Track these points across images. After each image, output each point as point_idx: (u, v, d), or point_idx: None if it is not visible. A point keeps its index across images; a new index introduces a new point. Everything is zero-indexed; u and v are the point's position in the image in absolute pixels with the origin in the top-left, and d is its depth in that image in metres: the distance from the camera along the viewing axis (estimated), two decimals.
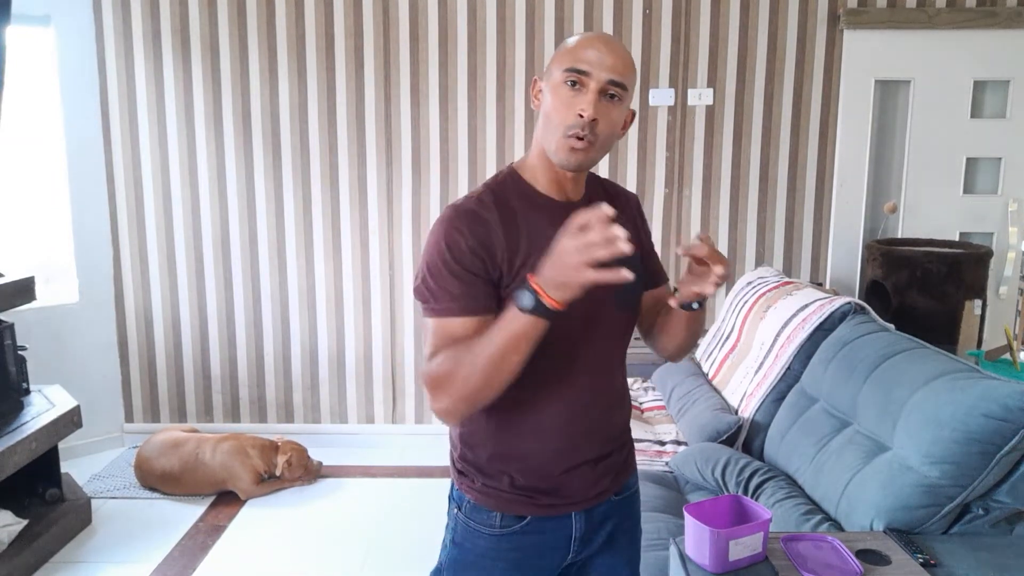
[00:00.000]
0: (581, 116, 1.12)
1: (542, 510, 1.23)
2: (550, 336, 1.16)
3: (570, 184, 1.23)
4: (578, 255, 0.96)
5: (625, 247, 0.95)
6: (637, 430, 2.63)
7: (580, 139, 1.13)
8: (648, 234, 1.40)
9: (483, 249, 1.13)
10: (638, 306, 1.32)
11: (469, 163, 3.47)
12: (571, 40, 1.17)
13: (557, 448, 1.22)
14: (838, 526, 1.70)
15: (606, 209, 0.96)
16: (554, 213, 1.17)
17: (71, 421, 2.82)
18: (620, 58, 1.13)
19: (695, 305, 1.23)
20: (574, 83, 1.13)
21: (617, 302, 1.23)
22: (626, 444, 1.35)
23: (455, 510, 1.28)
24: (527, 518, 1.23)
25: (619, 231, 0.95)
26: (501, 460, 1.22)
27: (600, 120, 1.12)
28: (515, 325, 1.03)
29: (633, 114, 1.23)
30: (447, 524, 1.32)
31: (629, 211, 1.33)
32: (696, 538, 1.33)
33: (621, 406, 1.33)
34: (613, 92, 1.13)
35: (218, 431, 3.42)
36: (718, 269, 1.13)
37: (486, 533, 1.24)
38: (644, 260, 1.32)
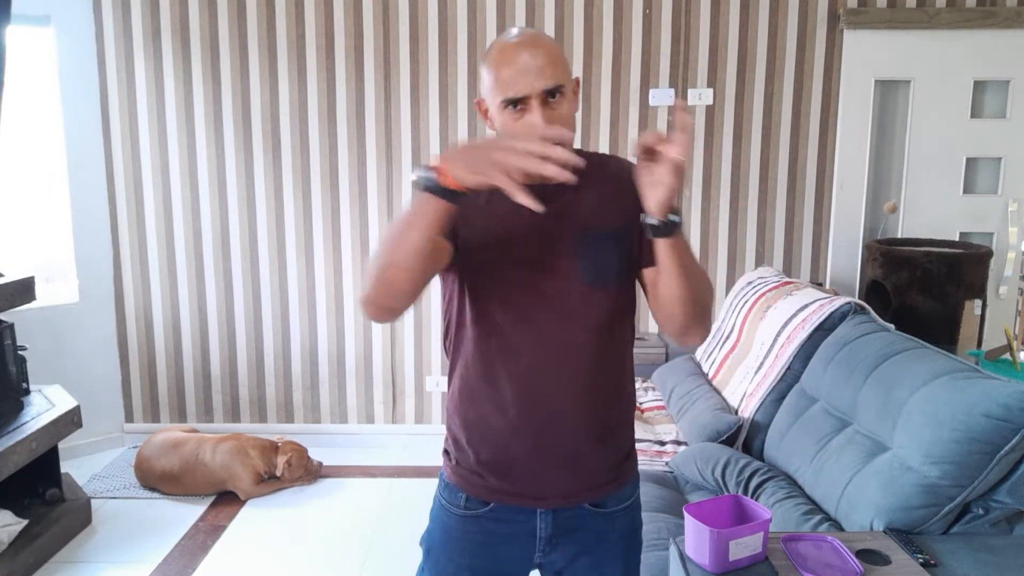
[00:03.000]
0: None
1: (506, 498, 1.26)
2: (500, 305, 1.19)
3: None
4: (501, 152, 0.93)
5: (554, 173, 0.91)
6: (637, 430, 2.63)
7: None
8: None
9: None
10: (617, 283, 1.22)
11: None
12: (491, 59, 1.15)
13: (517, 427, 1.22)
14: (838, 526, 1.70)
15: (575, 159, 0.93)
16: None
17: (71, 421, 2.81)
18: (545, 58, 1.12)
19: (673, 217, 1.04)
20: (516, 108, 1.12)
21: (584, 274, 1.18)
22: (613, 451, 1.28)
23: (437, 487, 1.35)
24: (491, 504, 1.27)
25: (561, 154, 0.91)
26: (467, 428, 1.26)
27: (555, 122, 1.11)
28: (415, 202, 1.02)
29: (578, 82, 1.22)
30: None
31: (623, 178, 1.16)
32: (696, 538, 1.33)
33: (606, 404, 1.25)
34: (553, 93, 1.12)
35: (218, 431, 3.42)
36: (671, 151, 0.98)
37: (454, 513, 1.29)
38: (640, 234, 1.17)
